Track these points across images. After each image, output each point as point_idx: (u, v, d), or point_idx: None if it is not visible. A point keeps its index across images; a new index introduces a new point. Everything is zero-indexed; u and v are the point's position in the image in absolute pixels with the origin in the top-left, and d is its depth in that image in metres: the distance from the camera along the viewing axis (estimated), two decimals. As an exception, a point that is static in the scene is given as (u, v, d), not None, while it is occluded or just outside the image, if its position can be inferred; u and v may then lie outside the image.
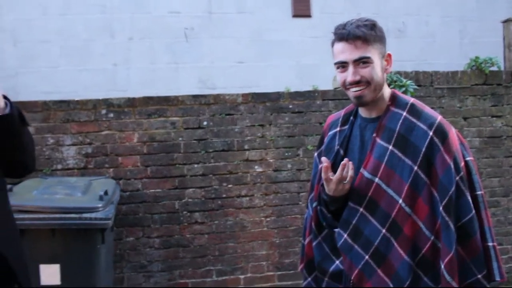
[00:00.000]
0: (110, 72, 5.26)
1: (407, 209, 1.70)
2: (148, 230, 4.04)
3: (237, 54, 5.58)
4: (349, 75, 1.75)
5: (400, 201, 1.71)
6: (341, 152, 1.88)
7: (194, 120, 4.09)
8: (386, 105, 1.81)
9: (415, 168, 1.70)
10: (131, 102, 4.02)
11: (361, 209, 1.77)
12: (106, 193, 3.30)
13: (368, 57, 1.73)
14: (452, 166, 1.69)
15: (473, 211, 1.71)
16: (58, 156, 3.93)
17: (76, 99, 4.01)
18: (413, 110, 1.78)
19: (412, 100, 1.81)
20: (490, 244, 1.74)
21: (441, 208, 1.67)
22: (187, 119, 4.08)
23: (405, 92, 4.29)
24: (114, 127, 3.99)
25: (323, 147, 1.98)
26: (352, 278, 1.79)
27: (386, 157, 1.74)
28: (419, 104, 1.81)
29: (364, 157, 1.79)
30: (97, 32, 5.26)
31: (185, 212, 4.09)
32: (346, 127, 1.91)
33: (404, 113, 1.77)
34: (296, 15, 6.10)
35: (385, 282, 1.73)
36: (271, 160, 4.21)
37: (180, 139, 4.07)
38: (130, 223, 4.01)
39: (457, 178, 1.69)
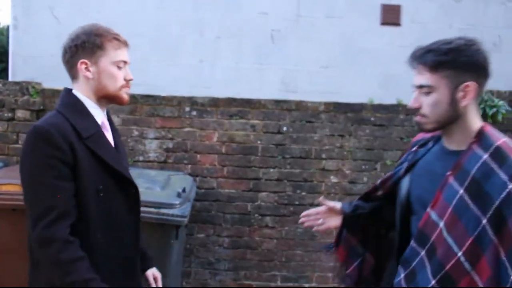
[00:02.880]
0: (196, 69, 5.39)
1: (466, 265, 1.49)
2: (219, 229, 4.12)
3: (321, 59, 5.52)
4: (411, 100, 1.63)
5: (460, 254, 1.49)
6: (402, 171, 1.78)
7: (274, 125, 4.11)
8: (469, 140, 1.58)
9: (484, 221, 1.47)
10: (215, 102, 4.10)
11: (422, 253, 1.60)
12: (184, 190, 3.39)
13: (429, 86, 1.57)
14: None
15: None
16: (141, 148, 4.09)
17: (163, 94, 4.15)
18: (497, 154, 1.52)
19: (501, 141, 1.55)
20: None
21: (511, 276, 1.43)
22: (268, 123, 4.11)
23: (496, 114, 4.07)
24: (196, 124, 4.09)
25: (400, 160, 1.90)
26: None
27: (454, 201, 1.53)
28: (508, 147, 1.54)
29: (431, 189, 1.61)
30: (188, 29, 5.40)
31: (256, 215, 4.12)
32: (422, 149, 1.78)
33: (485, 156, 1.53)
34: (384, 23, 5.93)
35: None
36: (347, 171, 4.15)
37: (259, 142, 4.10)
38: (202, 220, 4.11)
39: None
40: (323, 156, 4.13)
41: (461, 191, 1.53)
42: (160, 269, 3.33)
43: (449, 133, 1.64)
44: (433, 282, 1.54)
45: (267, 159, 4.12)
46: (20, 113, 4.03)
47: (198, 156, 4.10)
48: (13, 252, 3.07)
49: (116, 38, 1.80)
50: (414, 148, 1.82)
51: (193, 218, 4.04)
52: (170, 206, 3.22)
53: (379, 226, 1.95)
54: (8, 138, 4.04)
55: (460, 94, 1.57)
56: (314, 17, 5.64)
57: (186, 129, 4.09)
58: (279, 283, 4.14)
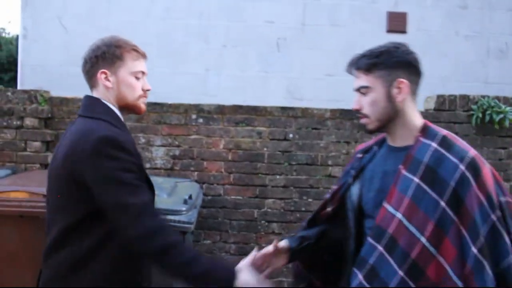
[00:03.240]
0: (202, 77, 5.43)
1: (431, 249, 1.54)
2: (226, 235, 4.12)
3: (327, 67, 5.54)
4: (353, 103, 1.74)
5: (423, 240, 1.55)
6: (350, 179, 1.81)
7: (280, 132, 4.12)
8: (414, 135, 1.68)
9: (443, 204, 1.55)
10: (221, 109, 4.12)
11: (380, 248, 1.62)
12: (190, 197, 3.40)
13: (366, 86, 1.68)
14: (486, 204, 1.54)
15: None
16: (148, 156, 4.11)
17: (169, 102, 4.17)
18: (444, 142, 1.64)
19: (445, 132, 1.68)
20: None
21: (473, 250, 1.51)
22: (274, 130, 4.12)
23: (503, 120, 4.06)
24: (203, 132, 4.11)
25: (344, 170, 1.92)
26: None
27: (411, 191, 1.59)
28: (452, 136, 1.67)
29: (386, 187, 1.66)
30: (193, 37, 5.45)
31: (263, 222, 4.12)
32: (367, 155, 1.83)
33: (435, 145, 1.63)
34: (390, 31, 5.95)
35: None
36: (353, 178, 4.14)
37: (265, 149, 4.12)
38: (209, 226, 4.12)
39: (493, 217, 1.54)
40: (329, 162, 4.14)
41: (417, 180, 1.60)
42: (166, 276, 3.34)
43: (393, 132, 1.73)
44: (401, 273, 1.56)
45: (274, 166, 4.12)
46: (28, 121, 4.07)
47: (205, 163, 4.11)
48: (20, 258, 3.09)
49: (135, 49, 1.85)
50: (359, 155, 1.87)
51: (200, 224, 4.05)
52: (176, 212, 3.23)
53: (324, 251, 1.93)
54: (16, 145, 4.07)
55: (395, 91, 1.67)
56: (319, 25, 5.67)
57: (193, 137, 4.12)
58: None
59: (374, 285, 1.62)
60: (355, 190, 1.80)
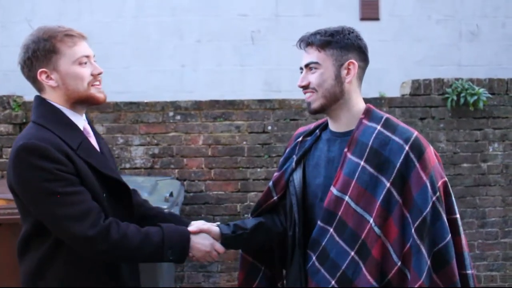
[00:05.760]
0: (178, 73, 5.40)
1: (376, 229, 1.57)
2: (210, 231, 4.11)
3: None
4: (299, 79, 1.74)
5: (371, 220, 1.58)
6: (293, 165, 1.81)
7: (258, 124, 4.12)
8: (357, 119, 1.70)
9: (388, 185, 1.58)
10: (198, 105, 4.10)
11: (331, 230, 1.65)
12: (171, 194, 3.39)
13: (316, 63, 1.69)
14: (428, 184, 1.56)
15: (450, 235, 1.58)
16: (127, 156, 4.08)
17: (146, 100, 4.15)
18: (388, 124, 1.67)
19: (387, 115, 1.72)
20: (469, 272, 1.62)
21: (412, 230, 1.54)
22: (252, 123, 4.12)
23: (477, 101, 4.12)
24: (181, 129, 4.09)
25: (283, 155, 1.91)
26: None
27: (357, 174, 1.62)
28: (394, 119, 1.71)
29: (333, 173, 1.69)
30: (167, 34, 5.41)
31: (246, 215, 4.12)
32: (308, 138, 1.84)
33: (378, 127, 1.66)
34: (364, 18, 5.99)
35: None
36: (334, 167, 4.17)
37: (244, 142, 4.11)
38: (192, 223, 4.10)
39: (434, 198, 1.56)
40: (309, 152, 4.15)
41: (362, 162, 1.62)
42: (153, 274, 3.33)
43: (336, 116, 1.74)
44: (352, 253, 1.60)
45: (254, 159, 4.13)
46: (2, 127, 4.01)
47: (185, 160, 4.10)
48: (1, 265, 3.05)
49: (68, 34, 1.65)
50: (299, 139, 1.86)
51: (183, 222, 4.04)
52: (158, 211, 3.21)
53: (265, 240, 1.91)
54: (-8, 153, 4.01)
55: (344, 72, 1.69)
56: (293, 16, 5.68)
57: (171, 134, 4.09)
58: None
59: (325, 266, 1.65)
60: (298, 176, 1.79)
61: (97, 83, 1.70)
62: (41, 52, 1.63)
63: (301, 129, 1.94)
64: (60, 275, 1.62)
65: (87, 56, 1.68)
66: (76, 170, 1.59)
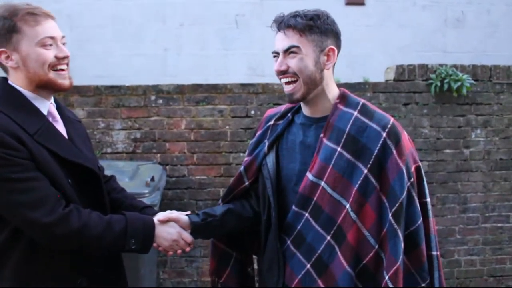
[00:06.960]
0: (160, 58, 5.32)
1: (352, 215, 1.59)
2: (193, 216, 4.09)
3: (287, 42, 5.52)
4: (277, 64, 1.68)
5: (347, 206, 1.59)
6: (265, 149, 1.77)
7: (241, 109, 4.09)
8: (333, 104, 1.69)
9: (365, 171, 1.59)
10: (180, 89, 4.05)
11: (306, 214, 1.65)
12: (152, 179, 3.35)
13: (297, 47, 1.63)
14: (404, 170, 1.59)
15: (421, 219, 1.62)
16: (108, 140, 4.03)
17: (127, 84, 4.08)
18: (365, 110, 1.66)
19: (363, 100, 1.71)
20: (435, 253, 1.67)
21: (390, 215, 1.57)
22: (235, 107, 4.08)
23: (460, 88, 4.12)
24: (163, 113, 4.04)
25: (254, 139, 1.87)
26: None
27: (333, 160, 1.62)
28: (371, 105, 1.71)
29: (308, 159, 1.67)
30: (150, 18, 5.32)
31: (229, 200, 4.11)
32: (280, 122, 1.80)
33: (355, 113, 1.65)
34: (349, 3, 5.93)
35: None
36: (317, 152, 4.16)
37: (227, 127, 4.08)
38: (175, 208, 4.02)
39: (408, 184, 1.60)
40: (293, 137, 4.13)
41: (339, 148, 1.62)
42: (135, 260, 3.30)
43: (313, 102, 1.71)
44: (328, 237, 1.61)
45: (237, 143, 4.10)
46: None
47: (167, 144, 4.05)
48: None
49: (31, 12, 1.55)
50: (271, 123, 1.83)
51: (166, 207, 4.00)
52: (139, 195, 3.17)
53: (235, 226, 1.88)
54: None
55: (323, 58, 1.66)
56: (277, 0, 5.61)
57: (153, 118, 4.04)
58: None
59: (301, 249, 1.66)
60: (271, 161, 1.76)
61: (63, 67, 1.62)
62: (1, 31, 1.55)
63: (270, 111, 1.90)
64: (20, 263, 1.58)
65: (52, 37, 1.60)
66: (31, 156, 1.52)
